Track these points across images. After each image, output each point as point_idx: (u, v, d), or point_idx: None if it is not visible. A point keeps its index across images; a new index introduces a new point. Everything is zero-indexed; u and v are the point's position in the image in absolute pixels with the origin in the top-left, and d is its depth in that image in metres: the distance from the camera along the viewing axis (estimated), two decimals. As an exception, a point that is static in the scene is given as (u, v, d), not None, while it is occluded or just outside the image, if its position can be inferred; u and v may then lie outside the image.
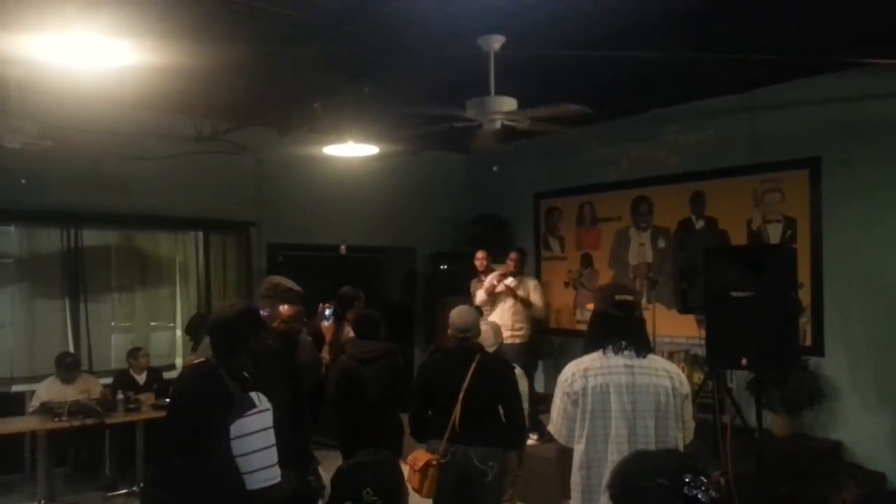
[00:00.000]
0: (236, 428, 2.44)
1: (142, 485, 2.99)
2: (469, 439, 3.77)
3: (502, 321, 6.12)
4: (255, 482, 2.45)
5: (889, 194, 5.59)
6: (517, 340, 6.37)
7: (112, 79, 4.98)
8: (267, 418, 2.50)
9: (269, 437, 2.49)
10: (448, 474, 3.79)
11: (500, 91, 4.34)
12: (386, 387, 4.41)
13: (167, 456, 2.62)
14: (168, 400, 3.04)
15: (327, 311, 5.05)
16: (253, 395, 2.50)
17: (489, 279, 6.61)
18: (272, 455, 2.49)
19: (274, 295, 3.82)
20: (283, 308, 3.81)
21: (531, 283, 6.78)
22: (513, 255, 6.56)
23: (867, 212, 5.71)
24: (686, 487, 1.47)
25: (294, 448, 3.94)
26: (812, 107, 5.96)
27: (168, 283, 7.36)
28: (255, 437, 2.46)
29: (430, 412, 4.00)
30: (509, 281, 6.48)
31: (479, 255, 6.94)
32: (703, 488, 1.47)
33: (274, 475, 2.49)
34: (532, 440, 5.62)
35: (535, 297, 6.64)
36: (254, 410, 2.46)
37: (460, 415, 3.76)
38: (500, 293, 6.54)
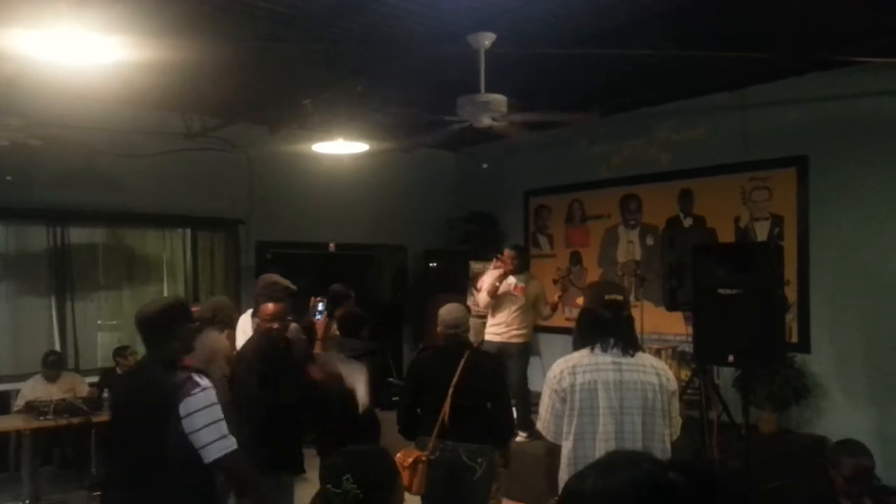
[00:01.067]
0: (183, 407, 2.53)
1: (97, 489, 3.09)
2: (458, 435, 3.77)
3: (507, 321, 5.99)
4: (212, 454, 2.54)
5: (876, 192, 5.64)
6: (521, 340, 6.11)
7: (101, 75, 4.94)
8: (211, 395, 2.60)
9: (216, 412, 2.59)
10: (437, 470, 3.79)
11: (494, 89, 4.33)
12: (367, 385, 4.41)
13: (118, 456, 2.73)
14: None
15: (320, 306, 5.03)
16: (195, 375, 2.60)
17: (490, 280, 6.08)
18: (222, 427, 2.59)
19: (269, 294, 3.84)
20: (268, 306, 3.82)
21: (539, 286, 6.31)
22: (507, 251, 6.13)
23: (854, 210, 5.75)
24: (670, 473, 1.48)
25: (293, 450, 3.93)
26: (801, 105, 6.00)
27: (155, 281, 7.31)
28: (202, 413, 2.55)
29: (418, 410, 4.01)
30: (512, 280, 6.06)
31: (507, 253, 6.22)
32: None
33: (229, 444, 2.59)
34: (522, 437, 5.63)
35: (542, 304, 6.20)
36: (197, 389, 2.56)
37: (450, 411, 3.76)
38: (504, 294, 6.04)
